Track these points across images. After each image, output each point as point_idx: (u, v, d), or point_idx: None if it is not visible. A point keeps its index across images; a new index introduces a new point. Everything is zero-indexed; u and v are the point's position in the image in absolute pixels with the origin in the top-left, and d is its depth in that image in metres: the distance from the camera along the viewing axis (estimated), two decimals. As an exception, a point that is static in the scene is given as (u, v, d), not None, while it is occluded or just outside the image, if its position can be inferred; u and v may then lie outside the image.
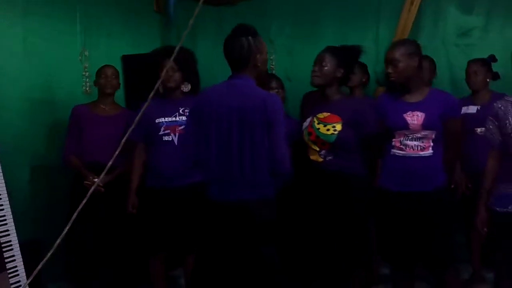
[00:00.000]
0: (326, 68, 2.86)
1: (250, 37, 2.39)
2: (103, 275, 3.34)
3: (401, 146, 2.72)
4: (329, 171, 2.82)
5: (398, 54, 2.71)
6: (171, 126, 3.06)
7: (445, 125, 2.70)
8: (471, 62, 3.57)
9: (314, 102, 3.41)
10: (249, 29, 2.43)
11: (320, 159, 2.85)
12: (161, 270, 3.18)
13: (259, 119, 2.30)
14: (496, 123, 2.56)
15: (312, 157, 2.88)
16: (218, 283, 2.39)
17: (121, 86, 4.00)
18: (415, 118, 2.68)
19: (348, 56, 2.93)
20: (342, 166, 2.81)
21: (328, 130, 2.80)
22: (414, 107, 2.70)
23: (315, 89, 3.08)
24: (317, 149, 2.86)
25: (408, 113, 2.70)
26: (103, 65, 3.48)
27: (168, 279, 3.46)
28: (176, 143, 3.03)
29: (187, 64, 3.12)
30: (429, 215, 2.66)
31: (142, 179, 3.17)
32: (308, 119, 2.93)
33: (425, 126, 2.66)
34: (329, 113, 2.86)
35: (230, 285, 2.38)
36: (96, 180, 3.15)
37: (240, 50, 2.37)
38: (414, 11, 4.13)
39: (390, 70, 2.73)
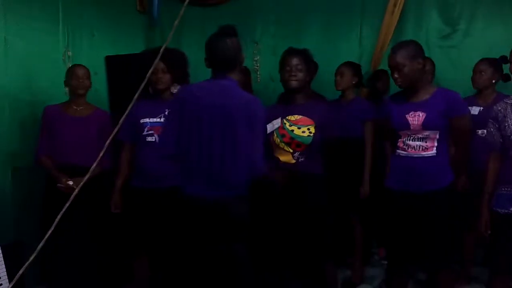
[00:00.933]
0: (301, 73, 2.87)
1: (234, 37, 2.40)
2: (84, 277, 3.30)
3: (404, 147, 2.74)
4: (301, 172, 2.83)
5: (401, 58, 2.66)
6: (155, 126, 3.04)
7: (452, 123, 2.69)
8: (479, 61, 3.54)
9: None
10: (233, 29, 2.43)
11: (293, 161, 2.87)
12: (145, 272, 3.17)
13: (242, 119, 2.32)
14: (496, 125, 2.58)
15: (283, 159, 2.88)
16: (191, 279, 2.41)
17: (105, 86, 3.98)
18: (416, 118, 2.68)
19: (310, 58, 2.98)
20: (311, 167, 2.83)
21: (303, 132, 2.83)
22: (417, 107, 2.70)
23: None
24: (290, 150, 2.87)
25: (411, 113, 2.70)
26: (73, 64, 3.42)
27: (154, 280, 3.44)
28: (159, 144, 3.02)
29: (178, 65, 3.11)
30: (430, 216, 2.67)
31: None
32: (275, 121, 2.92)
33: (425, 126, 2.66)
34: (300, 116, 2.87)
35: (203, 281, 2.40)
36: (70, 182, 3.10)
37: (229, 51, 2.38)
38: (397, 13, 4.17)
39: (396, 76, 2.69)
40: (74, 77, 3.30)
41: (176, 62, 3.05)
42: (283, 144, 2.88)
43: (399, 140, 2.76)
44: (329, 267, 3.08)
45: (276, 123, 2.93)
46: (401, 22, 4.23)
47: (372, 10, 4.36)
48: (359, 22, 4.44)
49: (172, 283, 2.53)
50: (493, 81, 3.50)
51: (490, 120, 2.63)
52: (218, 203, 2.36)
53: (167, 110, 3.05)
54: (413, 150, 2.70)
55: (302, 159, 2.85)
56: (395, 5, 4.14)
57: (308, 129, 2.83)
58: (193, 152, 2.39)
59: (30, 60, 3.56)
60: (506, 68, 3.39)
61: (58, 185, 3.14)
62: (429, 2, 4.24)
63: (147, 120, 3.06)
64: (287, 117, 2.90)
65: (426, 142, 2.68)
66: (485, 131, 3.30)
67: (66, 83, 3.37)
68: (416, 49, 2.71)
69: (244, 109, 2.32)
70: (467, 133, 2.77)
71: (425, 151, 2.68)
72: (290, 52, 2.92)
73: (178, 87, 3.12)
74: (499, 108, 2.59)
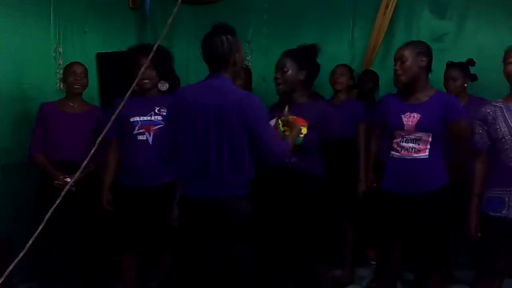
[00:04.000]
0: (288, 73, 2.81)
1: (230, 36, 2.38)
2: (74, 275, 3.29)
3: (398, 148, 2.75)
4: (293, 172, 2.84)
5: (406, 52, 2.72)
6: (146, 125, 3.03)
7: (449, 126, 2.71)
8: (449, 67, 3.59)
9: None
10: (229, 27, 2.42)
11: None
12: (133, 270, 3.16)
13: (237, 118, 2.30)
14: (485, 127, 2.60)
15: None
16: (192, 280, 2.39)
17: (96, 84, 3.96)
18: (410, 119, 2.70)
19: (307, 57, 2.88)
20: (304, 167, 2.83)
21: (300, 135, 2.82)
22: (413, 109, 2.72)
23: None
24: None
25: (406, 114, 2.72)
26: (71, 62, 3.40)
27: (142, 278, 3.44)
28: (150, 143, 3.00)
29: (163, 62, 3.09)
30: (423, 218, 2.68)
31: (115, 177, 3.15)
32: (272, 121, 2.93)
33: (418, 127, 2.67)
34: (295, 117, 2.87)
35: (205, 282, 2.38)
36: (67, 179, 3.10)
37: (221, 49, 2.36)
38: (388, 15, 4.19)
39: (397, 67, 2.74)
40: (72, 75, 3.28)
41: (161, 59, 3.02)
42: None
43: (394, 141, 2.77)
44: (320, 268, 3.08)
45: (272, 122, 2.93)
46: (392, 24, 4.26)
47: (363, 12, 4.39)
48: (351, 24, 4.46)
49: (172, 284, 2.51)
50: (465, 85, 3.57)
51: (478, 122, 2.64)
52: (217, 203, 2.35)
53: (156, 107, 3.05)
54: (406, 151, 2.72)
55: (294, 159, 2.85)
56: (387, 7, 4.16)
57: (300, 130, 2.83)
58: (190, 153, 2.38)
59: (20, 55, 3.54)
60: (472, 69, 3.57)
61: (56, 182, 3.12)
62: (420, 4, 4.26)
63: (137, 118, 3.04)
64: (281, 118, 2.91)
65: (419, 144, 2.69)
66: None
67: (63, 80, 3.36)
68: (424, 49, 2.77)
69: (237, 108, 2.31)
70: (465, 136, 2.73)
71: (417, 153, 2.69)
72: (282, 55, 2.90)
73: (166, 84, 3.11)
74: (488, 110, 2.60)
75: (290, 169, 2.82)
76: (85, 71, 3.35)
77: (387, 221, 2.78)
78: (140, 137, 3.02)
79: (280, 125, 2.87)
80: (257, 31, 4.74)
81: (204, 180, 2.36)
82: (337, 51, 4.36)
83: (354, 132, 3.64)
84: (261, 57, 4.64)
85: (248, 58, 4.71)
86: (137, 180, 3.02)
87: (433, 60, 4.11)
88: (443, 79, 3.62)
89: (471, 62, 3.61)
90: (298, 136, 2.77)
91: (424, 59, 2.72)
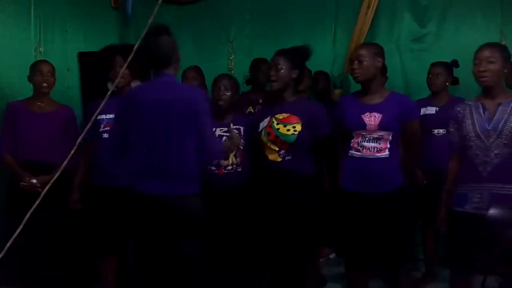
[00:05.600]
0: (282, 71, 2.89)
1: (168, 36, 2.44)
2: (51, 278, 3.24)
3: (358, 148, 2.79)
4: (288, 170, 2.86)
5: (365, 52, 2.79)
6: (111, 123, 2.97)
7: (404, 127, 2.78)
8: (434, 64, 3.67)
9: (245, 104, 3.64)
10: (165, 28, 2.48)
11: (279, 159, 2.89)
12: (112, 272, 3.13)
13: (184, 112, 2.36)
14: (456, 125, 2.67)
15: (270, 157, 2.92)
16: (141, 275, 2.44)
17: (77, 83, 3.93)
18: (372, 119, 2.74)
19: (300, 57, 2.98)
20: (299, 165, 2.87)
21: (288, 130, 2.85)
22: (373, 109, 2.77)
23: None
24: (276, 148, 2.89)
25: (366, 114, 2.76)
26: (37, 60, 3.35)
27: (121, 280, 3.41)
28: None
29: (136, 62, 3.10)
30: (385, 216, 2.73)
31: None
32: (266, 120, 2.96)
33: (381, 126, 2.72)
34: (288, 114, 2.90)
35: (152, 277, 2.42)
36: (33, 181, 3.06)
37: (165, 48, 2.42)
38: (370, 16, 4.23)
39: (355, 66, 2.79)
40: (39, 73, 3.21)
41: (136, 58, 3.02)
42: (269, 142, 2.91)
43: (353, 141, 2.81)
44: (309, 267, 3.10)
45: (266, 121, 2.96)
46: (373, 25, 4.30)
47: (346, 13, 4.42)
48: (333, 25, 4.49)
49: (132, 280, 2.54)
50: (447, 84, 3.65)
51: (451, 120, 2.71)
52: (165, 200, 2.37)
53: None
54: (368, 151, 2.76)
55: (288, 158, 2.87)
56: (368, 8, 4.20)
57: (294, 127, 2.85)
58: (139, 150, 2.41)
59: (0, 55, 3.49)
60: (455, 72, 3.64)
61: (22, 183, 3.06)
62: (401, 5, 4.31)
63: (103, 116, 3.02)
64: (275, 116, 2.93)
65: (380, 143, 2.75)
66: (441, 130, 3.44)
67: (30, 79, 3.26)
68: (380, 50, 2.85)
69: (184, 102, 2.37)
70: (419, 137, 2.89)
71: (379, 153, 2.75)
72: (275, 53, 2.97)
73: (138, 83, 3.11)
74: (459, 109, 2.68)
75: (285, 166, 2.85)
76: (52, 70, 3.27)
77: (349, 220, 2.82)
78: (104, 135, 3.01)
79: (275, 123, 2.90)
80: (240, 31, 4.75)
81: (153, 176, 2.39)
82: (320, 51, 4.38)
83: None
84: (244, 57, 4.64)
85: (231, 58, 4.72)
86: (105, 179, 3.00)
87: (413, 61, 4.22)
88: (424, 79, 3.68)
89: (455, 63, 3.66)
90: (282, 133, 2.81)
91: (380, 59, 2.81)
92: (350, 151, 2.82)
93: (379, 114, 2.74)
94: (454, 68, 3.66)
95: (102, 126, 3.02)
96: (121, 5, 4.69)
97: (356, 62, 2.79)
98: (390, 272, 3.18)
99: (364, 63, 2.77)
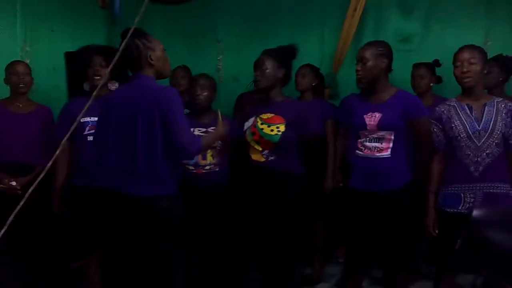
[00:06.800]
0: (267, 71, 2.90)
1: (136, 39, 2.45)
2: (35, 281, 3.22)
3: (361, 147, 2.81)
4: (271, 171, 2.87)
5: (368, 53, 2.79)
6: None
7: (412, 125, 2.78)
8: (417, 66, 3.70)
9: (247, 103, 3.58)
10: (135, 31, 2.46)
11: (263, 159, 2.90)
12: (97, 273, 3.14)
13: (154, 112, 2.36)
14: (441, 126, 2.68)
15: (254, 157, 2.93)
16: (124, 275, 2.48)
17: (64, 83, 3.90)
18: (372, 118, 2.76)
19: (285, 56, 2.99)
20: (283, 165, 2.87)
21: (272, 130, 2.86)
22: (375, 108, 2.78)
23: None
24: (260, 148, 2.90)
25: (369, 114, 2.78)
26: (12, 61, 3.32)
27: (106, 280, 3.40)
28: None
29: (117, 62, 3.09)
30: (388, 215, 2.75)
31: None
32: (251, 119, 2.97)
33: (380, 126, 2.74)
34: (273, 114, 2.91)
35: (133, 277, 2.45)
36: (12, 183, 3.03)
37: (130, 53, 2.43)
38: (357, 16, 4.25)
39: (358, 68, 2.80)
40: (14, 74, 3.20)
41: (113, 58, 3.02)
42: (253, 142, 2.92)
43: (358, 140, 2.83)
44: (296, 267, 3.11)
45: (251, 121, 2.96)
46: (361, 25, 4.31)
47: (333, 13, 4.43)
48: (321, 25, 4.50)
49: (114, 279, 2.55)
50: (431, 84, 3.69)
51: (433, 121, 2.73)
52: (137, 201, 2.39)
53: None
54: (369, 151, 2.78)
55: (272, 157, 2.88)
56: (355, 9, 4.22)
57: (277, 127, 2.86)
58: (111, 151, 2.43)
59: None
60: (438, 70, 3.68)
61: (0, 186, 3.05)
62: (388, 6, 4.33)
63: (87, 119, 3.03)
64: (260, 115, 2.94)
65: (381, 143, 2.76)
66: None
67: (6, 81, 3.25)
68: (385, 50, 2.84)
69: (154, 102, 2.36)
70: (427, 135, 2.81)
71: (379, 152, 2.76)
72: (261, 53, 2.99)
73: (116, 84, 3.11)
74: (442, 109, 2.70)
75: (268, 167, 2.85)
76: (28, 69, 3.26)
77: (354, 218, 2.84)
78: (90, 138, 3.00)
79: (259, 123, 2.90)
80: (228, 31, 4.74)
81: (123, 177, 2.41)
82: (308, 51, 4.39)
83: (322, 131, 3.69)
84: (232, 57, 4.65)
85: (219, 58, 4.72)
86: (89, 180, 2.99)
87: (400, 61, 4.21)
88: (410, 79, 3.71)
89: (437, 63, 3.71)
90: (266, 133, 2.81)
91: (385, 60, 2.81)
92: (356, 151, 2.84)
93: (379, 114, 2.75)
94: (437, 68, 3.70)
95: (87, 128, 3.02)
96: (109, 4, 4.66)
97: (360, 63, 2.79)
98: (387, 273, 3.20)
99: (368, 64, 2.76)
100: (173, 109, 2.38)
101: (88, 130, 3.02)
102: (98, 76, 3.02)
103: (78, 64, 3.49)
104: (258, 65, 2.94)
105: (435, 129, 2.73)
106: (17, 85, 3.20)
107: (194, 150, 2.43)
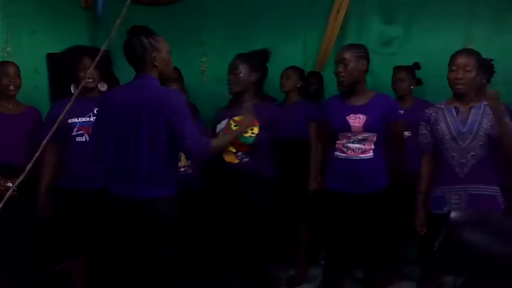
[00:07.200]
0: (241, 75, 2.93)
1: (143, 37, 2.42)
2: (20, 282, 3.19)
3: (343, 149, 2.82)
4: (244, 173, 2.88)
5: (349, 54, 2.82)
6: (85, 126, 3.01)
7: (389, 127, 2.83)
8: (397, 69, 3.75)
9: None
10: (143, 28, 2.47)
11: (236, 161, 2.91)
12: (80, 275, 3.12)
13: (156, 114, 2.34)
14: (429, 128, 2.72)
15: (227, 159, 2.93)
16: (118, 277, 2.46)
17: (47, 85, 3.87)
18: (357, 120, 2.78)
19: (259, 60, 3.02)
20: (256, 167, 2.88)
21: (246, 132, 2.87)
22: (357, 110, 2.81)
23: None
24: (234, 150, 2.91)
25: (351, 115, 2.80)
26: (2, 61, 3.29)
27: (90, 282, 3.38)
28: (90, 144, 2.98)
29: (105, 63, 3.10)
30: (369, 217, 2.77)
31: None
32: (224, 121, 2.98)
33: (366, 128, 2.76)
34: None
35: (128, 280, 2.44)
36: (9, 184, 3.01)
37: (135, 51, 2.41)
38: (340, 19, 4.28)
39: (340, 69, 2.82)
40: (5, 75, 3.16)
41: (103, 60, 3.01)
42: None
43: (338, 142, 2.85)
44: (271, 268, 3.13)
45: (224, 123, 2.97)
46: (343, 28, 4.35)
47: (317, 16, 4.46)
48: (305, 27, 4.53)
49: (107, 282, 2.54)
50: (411, 87, 3.74)
51: (422, 123, 2.77)
52: (136, 203, 2.37)
53: (95, 108, 2.99)
54: (353, 152, 2.80)
55: (246, 159, 2.89)
56: (338, 12, 4.25)
57: (251, 129, 2.87)
58: (112, 152, 2.42)
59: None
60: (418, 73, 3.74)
61: None
62: (370, 9, 4.37)
63: (75, 120, 3.02)
64: (233, 118, 2.95)
65: (364, 144, 2.78)
66: (406, 133, 3.50)
67: None
68: (364, 52, 2.88)
69: (156, 105, 2.35)
70: (402, 136, 2.94)
71: (363, 154, 2.79)
72: (234, 57, 3.00)
73: (105, 85, 3.11)
74: (431, 112, 2.74)
75: (241, 169, 2.86)
76: (18, 71, 3.23)
77: (333, 220, 2.86)
78: (78, 139, 3.00)
79: (232, 125, 2.91)
80: (212, 33, 4.75)
81: (123, 179, 2.40)
82: (291, 53, 4.43)
83: (307, 133, 3.71)
84: (216, 59, 4.65)
85: (203, 60, 4.72)
86: (76, 182, 2.99)
87: (382, 64, 4.28)
88: (390, 82, 3.75)
89: (416, 65, 3.77)
90: (242, 135, 2.83)
91: (364, 62, 2.85)
92: (335, 153, 2.86)
93: (363, 116, 2.77)
94: (417, 70, 3.75)
95: (75, 129, 3.00)
96: (91, 5, 4.63)
97: (341, 65, 2.82)
98: (368, 274, 3.22)
99: (349, 66, 2.79)
100: (178, 111, 2.36)
101: (77, 131, 3.01)
102: (90, 78, 3.01)
103: (64, 66, 3.47)
104: (231, 69, 2.96)
105: (423, 131, 2.76)
106: (8, 87, 3.17)
107: (199, 151, 2.41)
